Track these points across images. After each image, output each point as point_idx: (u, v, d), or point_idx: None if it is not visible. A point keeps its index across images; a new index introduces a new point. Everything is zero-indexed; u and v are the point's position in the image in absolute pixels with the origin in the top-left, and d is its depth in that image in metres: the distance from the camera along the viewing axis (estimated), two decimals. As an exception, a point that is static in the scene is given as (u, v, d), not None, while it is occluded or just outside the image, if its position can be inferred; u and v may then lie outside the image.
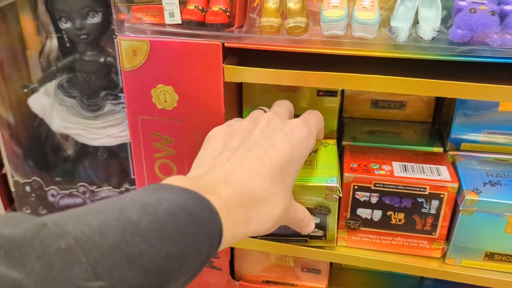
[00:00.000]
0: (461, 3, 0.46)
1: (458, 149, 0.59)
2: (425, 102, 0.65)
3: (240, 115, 0.62)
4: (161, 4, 0.49)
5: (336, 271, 0.68)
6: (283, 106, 0.49)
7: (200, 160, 0.42)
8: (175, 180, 0.35)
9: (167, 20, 0.50)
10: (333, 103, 0.58)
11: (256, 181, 0.38)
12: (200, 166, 0.41)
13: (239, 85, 0.60)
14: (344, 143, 0.60)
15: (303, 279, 0.64)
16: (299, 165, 0.43)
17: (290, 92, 0.59)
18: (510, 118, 0.55)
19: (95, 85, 0.71)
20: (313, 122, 0.48)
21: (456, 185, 0.50)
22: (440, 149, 0.59)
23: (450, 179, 0.51)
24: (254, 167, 0.39)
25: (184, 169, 0.56)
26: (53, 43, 0.70)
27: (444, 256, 0.55)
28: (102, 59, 0.70)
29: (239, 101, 0.61)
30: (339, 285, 0.64)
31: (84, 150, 0.76)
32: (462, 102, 0.56)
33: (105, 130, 0.73)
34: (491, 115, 0.56)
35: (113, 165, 0.76)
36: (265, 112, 0.48)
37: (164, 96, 0.52)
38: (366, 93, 0.65)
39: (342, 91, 0.66)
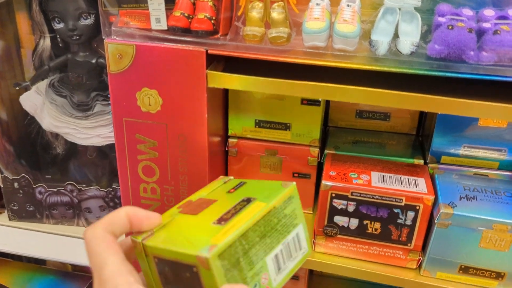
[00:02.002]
0: (440, 19, 0.47)
1: (438, 162, 0.59)
2: (410, 114, 0.66)
3: (226, 119, 0.62)
4: (148, 9, 0.50)
5: (316, 278, 0.69)
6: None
7: None
8: None
9: (153, 25, 0.51)
10: (316, 112, 0.59)
11: None
12: None
13: (225, 91, 0.61)
14: (326, 151, 0.61)
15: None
16: None
17: (274, 99, 0.60)
18: (489, 133, 0.56)
19: (86, 86, 0.72)
20: None
21: (431, 198, 0.51)
22: (421, 161, 0.59)
23: (426, 192, 0.52)
24: None
25: (166, 172, 0.57)
26: (46, 43, 0.71)
27: (419, 267, 0.56)
28: (93, 60, 0.71)
29: (225, 106, 0.62)
30: (317, 292, 0.65)
31: (73, 149, 0.76)
32: (443, 116, 0.57)
33: (95, 130, 0.74)
34: (471, 130, 0.57)
35: (102, 165, 0.77)
36: None
37: (149, 99, 0.53)
38: (351, 103, 0.66)
39: (327, 100, 0.67)
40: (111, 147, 0.75)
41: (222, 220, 0.38)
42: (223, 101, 0.61)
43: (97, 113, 0.74)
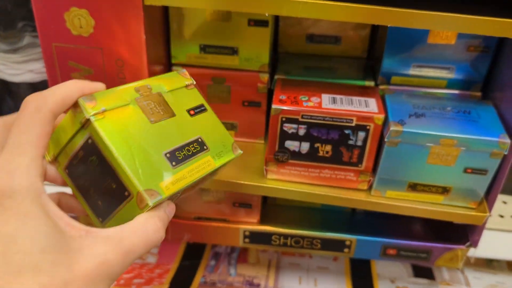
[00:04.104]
0: None
1: (388, 83, 0.59)
2: (360, 37, 0.64)
3: (169, 47, 0.58)
4: None
5: (270, 207, 0.69)
6: None
7: None
8: None
9: None
10: (264, 34, 0.56)
11: None
12: None
13: (166, 13, 0.56)
14: (276, 77, 0.59)
15: (235, 215, 0.64)
16: (27, 220, 0.28)
17: (220, 22, 0.56)
18: (438, 51, 0.55)
19: (12, 15, 0.65)
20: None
21: (382, 116, 0.51)
22: (372, 83, 0.59)
23: (376, 111, 0.51)
24: None
25: (106, 102, 0.53)
26: (-40, -34, 0.63)
27: (370, 188, 0.56)
28: (17, -15, 0.63)
29: (167, 32, 0.58)
30: (271, 220, 0.65)
31: (4, 88, 0.70)
32: (393, 35, 0.55)
33: (26, 65, 0.68)
34: (421, 48, 0.56)
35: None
36: None
37: (79, 21, 0.48)
38: (301, 27, 0.63)
39: (276, 22, 0.63)
40: (46, 84, 0.69)
41: (174, 159, 0.38)
42: (164, 25, 0.57)
43: (27, 46, 0.67)
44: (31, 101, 0.31)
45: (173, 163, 0.38)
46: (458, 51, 0.55)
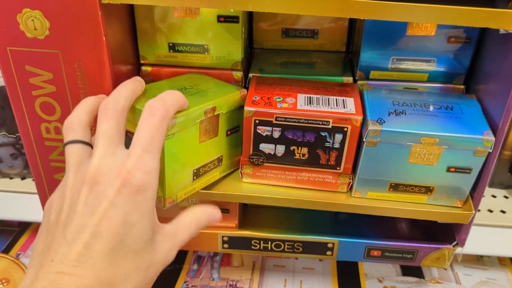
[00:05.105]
0: None
1: (367, 78, 0.56)
2: (338, 30, 0.61)
3: (136, 46, 0.55)
4: None
5: (252, 209, 0.66)
6: (112, 122, 0.37)
7: (34, 249, 0.36)
8: None
9: None
10: (235, 30, 0.53)
11: (86, 280, 0.32)
12: (31, 265, 0.35)
13: (131, 11, 0.53)
14: (251, 74, 0.56)
15: (213, 220, 0.61)
16: (146, 214, 0.35)
17: (188, 19, 0.53)
18: (417, 43, 0.53)
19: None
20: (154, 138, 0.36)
21: (359, 118, 0.48)
22: (350, 79, 0.56)
23: (354, 112, 0.48)
24: (82, 262, 0.32)
25: (68, 107, 0.50)
26: None
27: (350, 189, 0.54)
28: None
29: (134, 30, 0.54)
30: (252, 223, 0.62)
31: (-31, 92, 0.67)
32: (370, 28, 0.53)
33: (-10, 68, 0.65)
34: (399, 41, 0.53)
35: (6, 108, 0.68)
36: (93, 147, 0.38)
37: (33, 23, 0.45)
38: (276, 21, 0.60)
39: (250, 17, 0.61)
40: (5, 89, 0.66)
41: (197, 174, 0.48)
42: (131, 23, 0.54)
43: (-10, 48, 0.64)
44: (158, 107, 0.38)
45: (194, 177, 0.48)
46: (438, 42, 0.53)
